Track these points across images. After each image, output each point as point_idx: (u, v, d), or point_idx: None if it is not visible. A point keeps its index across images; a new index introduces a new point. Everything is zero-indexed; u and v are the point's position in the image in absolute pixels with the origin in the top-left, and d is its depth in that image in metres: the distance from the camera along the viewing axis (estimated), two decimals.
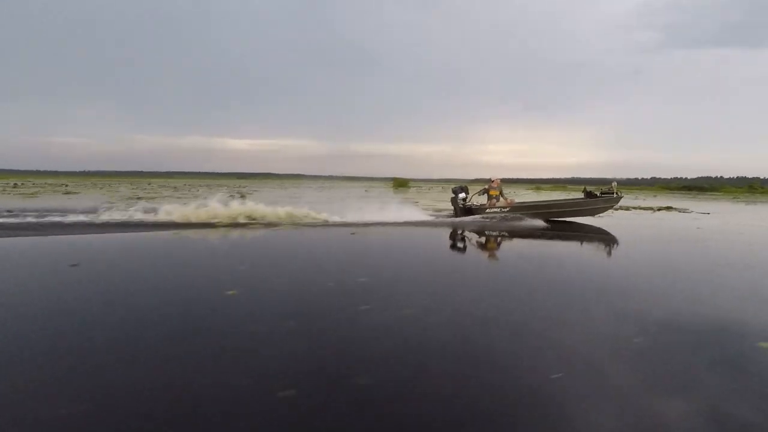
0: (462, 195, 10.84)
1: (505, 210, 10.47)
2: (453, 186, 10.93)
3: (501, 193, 10.86)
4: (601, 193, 10.51)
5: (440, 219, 10.48)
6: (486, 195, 10.86)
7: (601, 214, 11.03)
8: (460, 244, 7.42)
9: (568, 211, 10.68)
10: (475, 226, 9.48)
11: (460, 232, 8.72)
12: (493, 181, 10.86)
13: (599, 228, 9.58)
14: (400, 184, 39.08)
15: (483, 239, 7.88)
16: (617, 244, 7.59)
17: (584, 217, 10.66)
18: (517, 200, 11.50)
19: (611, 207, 10.89)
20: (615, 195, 10.32)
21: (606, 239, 8.14)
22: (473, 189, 11.18)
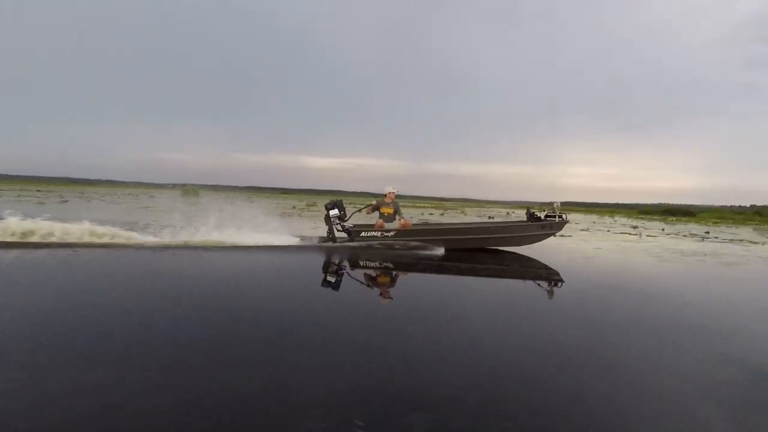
0: (334, 212, 7.80)
1: (389, 234, 7.71)
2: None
3: (397, 212, 8.07)
4: (545, 216, 8.27)
5: (305, 243, 7.61)
6: (377, 213, 8.11)
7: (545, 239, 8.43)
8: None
9: (486, 239, 8.27)
10: (342, 254, 7.11)
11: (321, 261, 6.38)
12: (386, 195, 8.09)
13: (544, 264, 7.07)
14: None
15: (331, 275, 5.48)
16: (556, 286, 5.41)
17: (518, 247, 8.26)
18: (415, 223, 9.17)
19: (551, 234, 8.48)
20: (557, 219, 8.19)
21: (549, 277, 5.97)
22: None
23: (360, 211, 8.37)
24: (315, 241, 7.84)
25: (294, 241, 7.71)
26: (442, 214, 22.77)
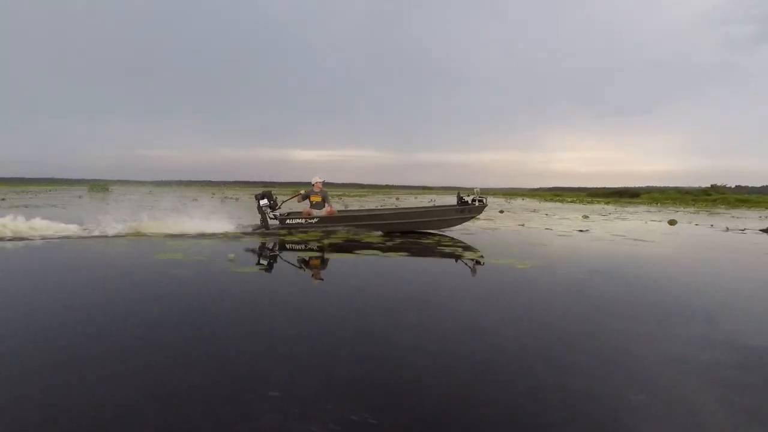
0: (264, 201, 8.37)
1: (313, 221, 8.36)
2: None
3: (326, 200, 8.68)
4: (472, 200, 8.90)
5: (242, 231, 8.27)
6: (307, 201, 8.66)
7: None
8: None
9: (409, 223, 8.93)
10: (275, 239, 7.62)
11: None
12: (314, 185, 8.65)
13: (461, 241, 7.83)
14: None
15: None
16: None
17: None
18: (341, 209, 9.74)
19: (471, 217, 9.28)
20: (477, 203, 8.89)
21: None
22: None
23: (291, 199, 8.96)
24: (250, 229, 8.44)
25: (231, 228, 8.33)
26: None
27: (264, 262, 5.89)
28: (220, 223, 8.40)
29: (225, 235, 7.74)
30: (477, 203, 8.88)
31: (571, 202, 34.79)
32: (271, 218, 8.41)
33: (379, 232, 8.43)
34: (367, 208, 12.35)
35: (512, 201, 32.95)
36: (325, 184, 8.87)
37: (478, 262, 6.03)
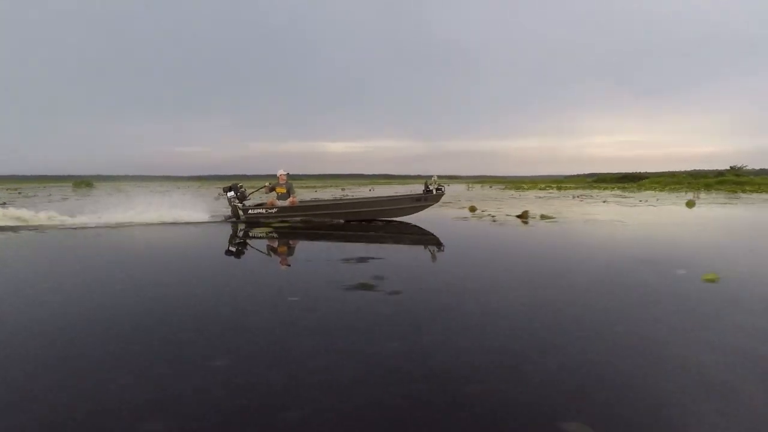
0: (231, 194, 9.32)
1: (273, 211, 9.11)
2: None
3: (290, 191, 9.38)
4: (435, 189, 9.24)
5: (215, 219, 9.41)
6: (273, 192, 9.45)
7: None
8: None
9: (365, 212, 9.41)
10: (241, 226, 8.56)
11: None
12: (279, 177, 9.39)
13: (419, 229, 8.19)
14: None
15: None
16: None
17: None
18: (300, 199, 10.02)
19: (428, 205, 9.52)
20: (433, 191, 9.24)
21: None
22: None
23: (258, 191, 9.86)
24: (222, 218, 9.56)
25: (206, 217, 9.56)
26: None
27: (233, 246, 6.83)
28: (198, 214, 9.69)
29: (202, 224, 9.05)
30: (435, 192, 9.26)
31: (566, 189, 34.51)
32: (241, 209, 9.31)
33: (341, 221, 9.17)
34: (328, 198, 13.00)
35: (477, 189, 32.61)
36: (289, 176, 9.53)
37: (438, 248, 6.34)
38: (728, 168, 38.21)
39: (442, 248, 6.33)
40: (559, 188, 34.75)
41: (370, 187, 40.18)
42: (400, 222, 9.23)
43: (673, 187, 30.81)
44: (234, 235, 7.73)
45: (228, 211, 9.59)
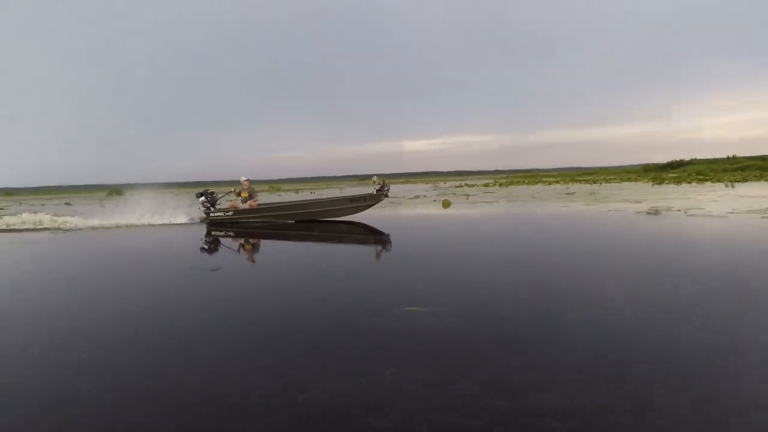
0: (202, 198, 10.62)
1: (229, 213, 10.35)
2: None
3: (252, 195, 10.58)
4: (377, 190, 9.65)
5: (191, 222, 11.05)
6: (239, 196, 10.68)
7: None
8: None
9: (307, 213, 10.15)
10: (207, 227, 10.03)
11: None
12: (241, 183, 10.64)
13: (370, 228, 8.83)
14: None
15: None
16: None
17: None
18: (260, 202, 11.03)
19: (368, 205, 9.96)
20: (374, 192, 9.64)
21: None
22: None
23: (227, 195, 11.14)
24: (197, 220, 11.13)
25: (184, 219, 11.35)
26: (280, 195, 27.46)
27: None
28: (179, 217, 11.54)
29: (183, 225, 10.89)
30: (375, 193, 9.62)
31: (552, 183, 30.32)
32: (204, 212, 10.74)
33: (292, 221, 10.14)
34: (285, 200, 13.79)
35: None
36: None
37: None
38: None
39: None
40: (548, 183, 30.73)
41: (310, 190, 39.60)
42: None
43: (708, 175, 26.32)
44: (202, 237, 9.09)
45: (202, 214, 10.92)
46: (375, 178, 9.83)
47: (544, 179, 40.15)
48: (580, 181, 31.13)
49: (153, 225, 10.86)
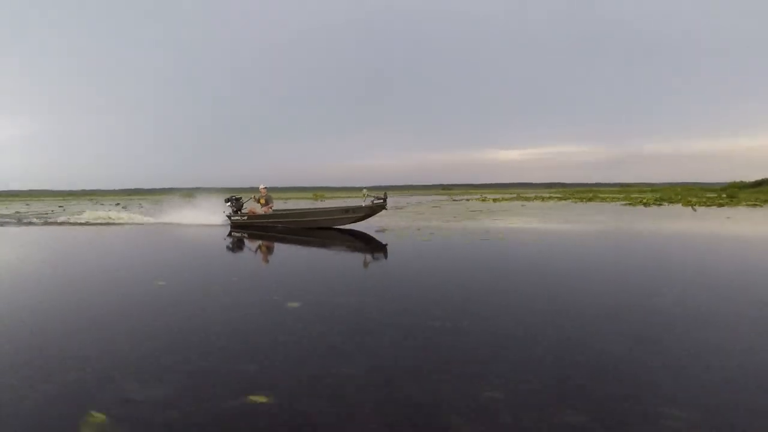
0: (228, 204, 12.24)
1: (244, 218, 11.86)
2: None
3: (268, 201, 11.95)
4: (376, 198, 10.42)
5: (221, 224, 12.50)
6: (258, 203, 12.06)
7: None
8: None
9: (305, 221, 11.34)
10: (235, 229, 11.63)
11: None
12: (260, 190, 12.04)
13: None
14: None
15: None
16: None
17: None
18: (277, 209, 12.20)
19: (361, 216, 10.82)
20: (372, 203, 10.36)
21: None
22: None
23: (249, 200, 12.52)
24: (227, 221, 12.37)
25: (220, 221, 12.67)
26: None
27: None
28: (215, 217, 12.94)
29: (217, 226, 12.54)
30: (372, 203, 10.33)
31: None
32: (227, 215, 12.39)
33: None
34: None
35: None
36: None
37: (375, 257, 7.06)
38: None
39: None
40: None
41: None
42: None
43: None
44: (227, 236, 10.63)
45: (226, 217, 12.48)
46: (365, 190, 10.77)
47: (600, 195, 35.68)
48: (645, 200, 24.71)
49: (191, 225, 13.20)
